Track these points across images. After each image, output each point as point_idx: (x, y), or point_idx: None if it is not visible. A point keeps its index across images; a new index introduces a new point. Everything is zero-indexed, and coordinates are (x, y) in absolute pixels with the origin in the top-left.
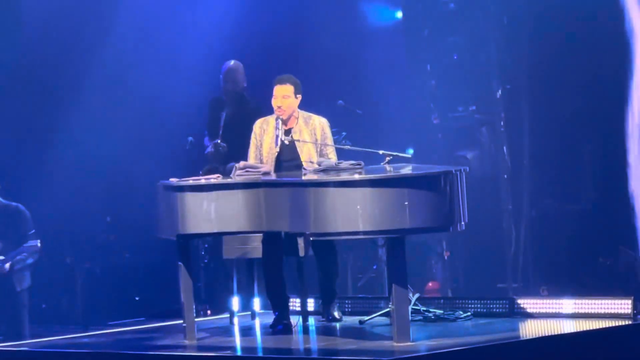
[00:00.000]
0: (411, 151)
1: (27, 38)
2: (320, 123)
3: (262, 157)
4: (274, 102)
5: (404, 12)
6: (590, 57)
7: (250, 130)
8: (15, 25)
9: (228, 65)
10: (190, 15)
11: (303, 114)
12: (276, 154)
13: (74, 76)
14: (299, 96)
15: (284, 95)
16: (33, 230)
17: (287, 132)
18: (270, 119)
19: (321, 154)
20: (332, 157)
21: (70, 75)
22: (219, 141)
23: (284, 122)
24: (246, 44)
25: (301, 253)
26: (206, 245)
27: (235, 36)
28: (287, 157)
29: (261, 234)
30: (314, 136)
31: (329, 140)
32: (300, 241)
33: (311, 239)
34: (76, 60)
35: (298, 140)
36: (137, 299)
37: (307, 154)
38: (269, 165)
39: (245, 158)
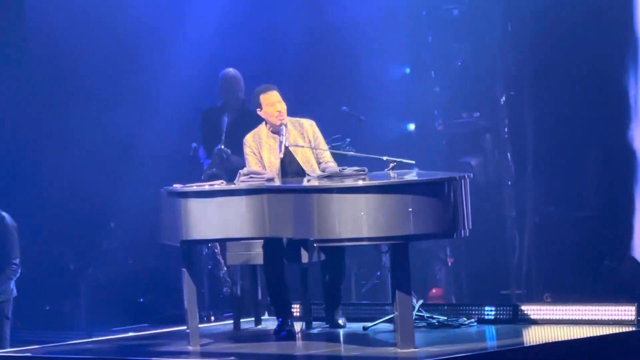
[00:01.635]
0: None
1: (30, 43)
2: (309, 125)
3: (266, 169)
4: (273, 109)
5: (408, 19)
6: (594, 64)
7: None
8: (19, 30)
9: (229, 74)
10: (192, 21)
11: (290, 119)
12: (278, 160)
13: (77, 81)
14: None
15: (279, 100)
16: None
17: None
18: (260, 131)
19: (317, 156)
20: (326, 155)
21: (73, 80)
22: (222, 147)
23: (275, 130)
24: (248, 50)
25: (304, 260)
26: (210, 252)
27: (238, 43)
28: (287, 164)
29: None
30: (306, 139)
31: (321, 138)
32: (303, 248)
33: (315, 245)
34: (79, 65)
35: (296, 145)
36: (141, 300)
37: (304, 158)
38: (273, 172)
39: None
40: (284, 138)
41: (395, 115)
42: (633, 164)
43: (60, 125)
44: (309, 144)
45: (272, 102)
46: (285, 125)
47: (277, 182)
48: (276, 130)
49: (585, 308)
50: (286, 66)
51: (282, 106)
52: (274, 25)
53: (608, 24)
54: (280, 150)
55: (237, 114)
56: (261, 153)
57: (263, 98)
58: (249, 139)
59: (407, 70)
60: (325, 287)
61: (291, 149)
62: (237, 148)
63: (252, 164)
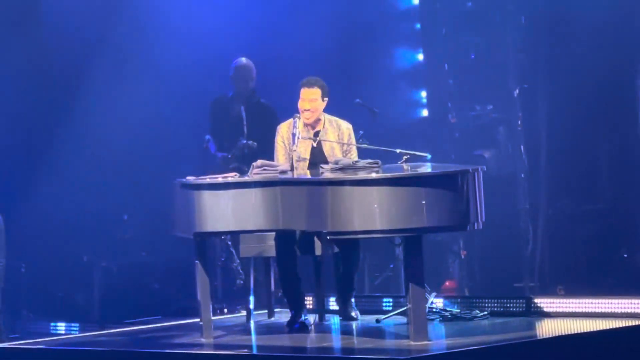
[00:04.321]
0: (429, 156)
1: (44, 37)
2: (347, 128)
3: (293, 163)
4: (301, 105)
5: (422, 12)
6: (608, 56)
7: (264, 126)
8: (34, 24)
9: (241, 63)
10: (206, 9)
11: (328, 117)
12: (296, 153)
13: (91, 74)
14: (326, 99)
15: (311, 99)
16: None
17: (315, 135)
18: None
19: (345, 157)
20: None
21: (87, 74)
22: (247, 141)
23: (311, 126)
24: (260, 41)
25: (317, 252)
26: (223, 244)
27: (249, 33)
28: (316, 160)
29: None
30: (341, 141)
31: (354, 143)
32: (317, 240)
33: (328, 237)
34: (92, 59)
35: (316, 139)
36: (156, 286)
37: (334, 157)
38: (287, 164)
39: (266, 155)
40: (297, 130)
41: (408, 107)
42: None
43: (73, 118)
44: (341, 147)
45: (303, 99)
46: (299, 118)
47: (290, 174)
48: (312, 126)
49: (599, 301)
50: (299, 58)
51: (312, 105)
52: (288, 15)
53: (622, 15)
54: (294, 142)
55: (247, 104)
56: (291, 144)
57: (301, 92)
58: (283, 128)
59: (421, 62)
60: (339, 279)
61: (324, 146)
62: (255, 139)
63: (279, 154)
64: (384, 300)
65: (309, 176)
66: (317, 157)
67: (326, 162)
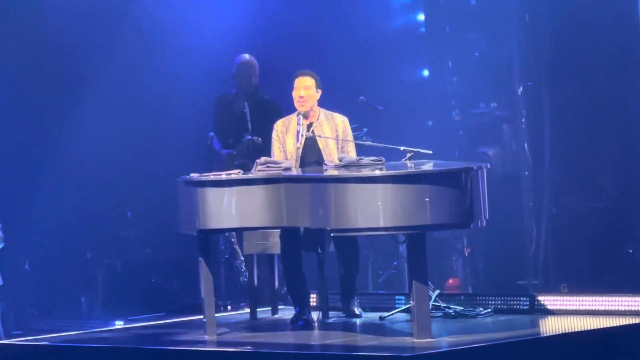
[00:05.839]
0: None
1: (46, 36)
2: (342, 121)
3: (287, 155)
4: (296, 93)
5: (426, 9)
6: (612, 53)
7: (268, 122)
8: (37, 23)
9: (244, 59)
10: (206, 9)
11: (323, 110)
12: (300, 150)
13: (94, 72)
14: (319, 91)
15: (306, 86)
16: None
17: (308, 127)
18: (292, 117)
19: (342, 151)
20: (353, 155)
21: (90, 71)
22: (251, 137)
23: (305, 117)
24: (262, 38)
25: (321, 249)
26: (226, 241)
27: (252, 30)
28: (308, 153)
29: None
30: (335, 133)
31: (350, 137)
32: (320, 238)
33: (332, 234)
34: (96, 57)
35: (319, 136)
36: (153, 280)
37: (328, 150)
38: (290, 161)
39: (270, 151)
40: (301, 127)
41: (412, 105)
42: None
43: (77, 114)
44: (336, 140)
45: (297, 87)
46: (303, 114)
47: (294, 172)
48: (305, 116)
49: (602, 298)
50: (302, 54)
51: (307, 92)
52: (291, 11)
53: (626, 12)
54: (298, 140)
55: (251, 101)
56: (285, 138)
57: (295, 82)
58: (279, 124)
59: (425, 60)
60: (341, 280)
61: (317, 139)
62: (259, 135)
63: (275, 148)
64: (388, 297)
65: (313, 173)
66: (309, 151)
67: (319, 156)
